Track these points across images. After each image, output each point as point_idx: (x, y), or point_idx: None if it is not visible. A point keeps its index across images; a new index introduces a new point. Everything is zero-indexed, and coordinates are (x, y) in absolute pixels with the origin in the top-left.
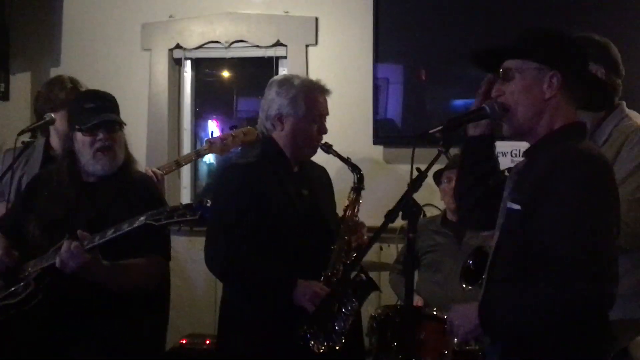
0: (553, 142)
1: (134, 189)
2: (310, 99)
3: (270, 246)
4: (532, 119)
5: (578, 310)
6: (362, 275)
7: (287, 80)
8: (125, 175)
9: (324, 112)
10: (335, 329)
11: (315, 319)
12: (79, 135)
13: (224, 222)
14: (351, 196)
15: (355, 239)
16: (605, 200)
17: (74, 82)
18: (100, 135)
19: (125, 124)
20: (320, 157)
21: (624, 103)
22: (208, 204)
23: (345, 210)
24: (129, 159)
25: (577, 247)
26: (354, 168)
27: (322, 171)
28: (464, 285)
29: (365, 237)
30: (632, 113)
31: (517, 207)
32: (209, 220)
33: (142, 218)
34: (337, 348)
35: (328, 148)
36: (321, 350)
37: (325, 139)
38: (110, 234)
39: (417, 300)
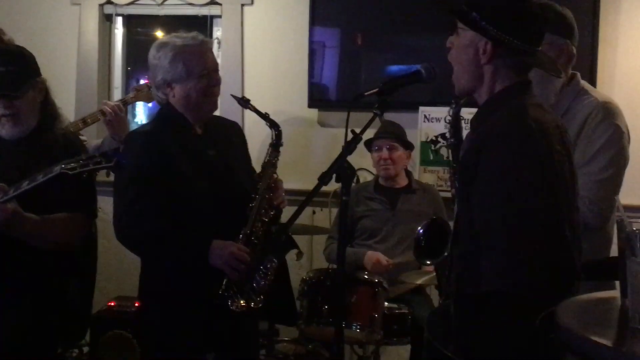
0: (493, 107)
1: (56, 147)
2: (189, 57)
3: (181, 212)
4: (472, 81)
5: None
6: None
7: (163, 44)
8: (47, 133)
9: (210, 66)
10: (254, 287)
11: (232, 281)
12: None
13: (131, 193)
14: (269, 153)
15: (275, 196)
16: (540, 177)
17: None
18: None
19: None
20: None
21: (579, 74)
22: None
23: (263, 167)
24: (53, 117)
25: (504, 230)
26: (272, 124)
27: (232, 127)
28: (424, 261)
29: (283, 195)
30: (588, 86)
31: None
32: (117, 185)
33: (56, 167)
34: (254, 306)
35: (246, 103)
36: (240, 309)
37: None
38: (25, 185)
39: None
